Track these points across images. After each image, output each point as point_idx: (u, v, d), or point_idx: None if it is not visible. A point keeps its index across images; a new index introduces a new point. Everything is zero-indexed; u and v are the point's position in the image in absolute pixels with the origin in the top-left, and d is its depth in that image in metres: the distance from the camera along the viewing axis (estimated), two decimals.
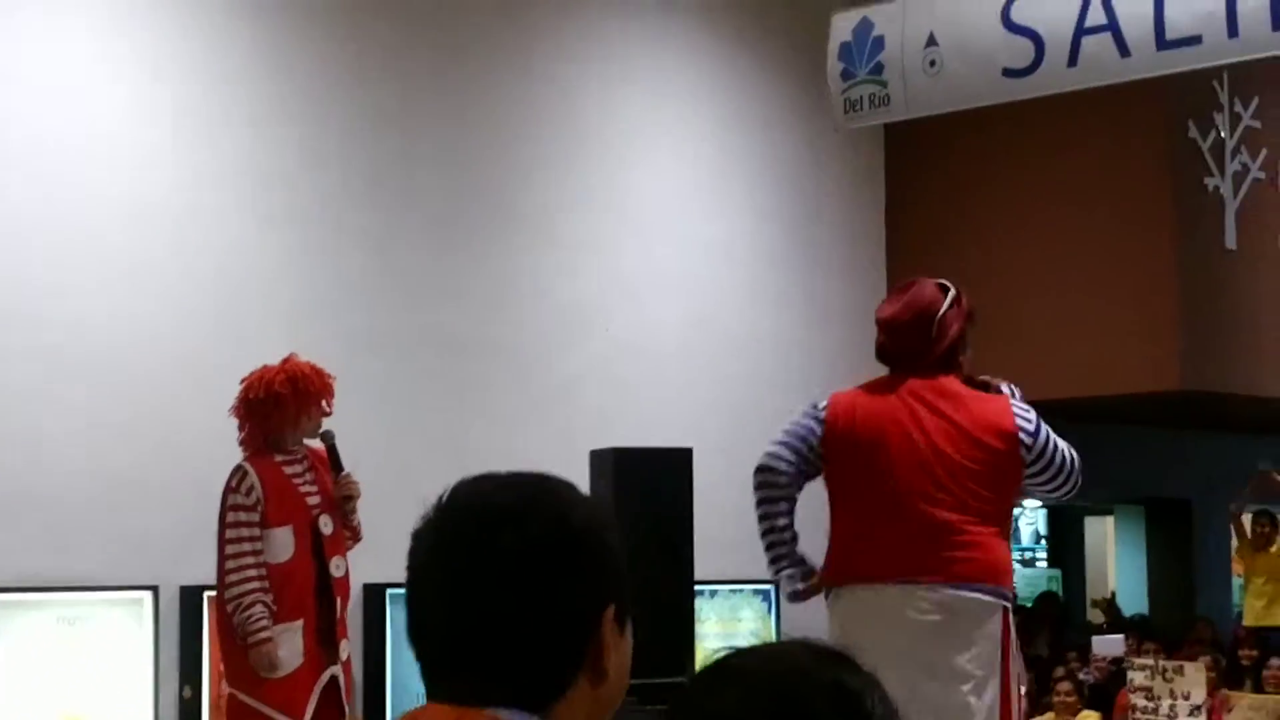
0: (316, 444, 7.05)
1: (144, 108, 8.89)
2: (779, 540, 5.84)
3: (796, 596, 5.89)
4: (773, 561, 5.89)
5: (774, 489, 5.82)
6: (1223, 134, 12.08)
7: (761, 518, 5.85)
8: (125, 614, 8.55)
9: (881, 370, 5.99)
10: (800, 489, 5.88)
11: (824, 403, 5.89)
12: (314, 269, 9.44)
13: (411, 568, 1.95)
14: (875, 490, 5.70)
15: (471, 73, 10.19)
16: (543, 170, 10.47)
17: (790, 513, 5.85)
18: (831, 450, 5.79)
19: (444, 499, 1.94)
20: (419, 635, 1.94)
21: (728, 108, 11.52)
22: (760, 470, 5.84)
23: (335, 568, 6.91)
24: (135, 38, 8.89)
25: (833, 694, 1.68)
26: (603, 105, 10.83)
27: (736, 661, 1.75)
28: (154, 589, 8.61)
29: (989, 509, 5.68)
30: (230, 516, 6.79)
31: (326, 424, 7.04)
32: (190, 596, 8.63)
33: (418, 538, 1.94)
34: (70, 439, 8.50)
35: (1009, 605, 5.73)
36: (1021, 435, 5.72)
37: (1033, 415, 5.80)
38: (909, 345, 5.81)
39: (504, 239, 10.25)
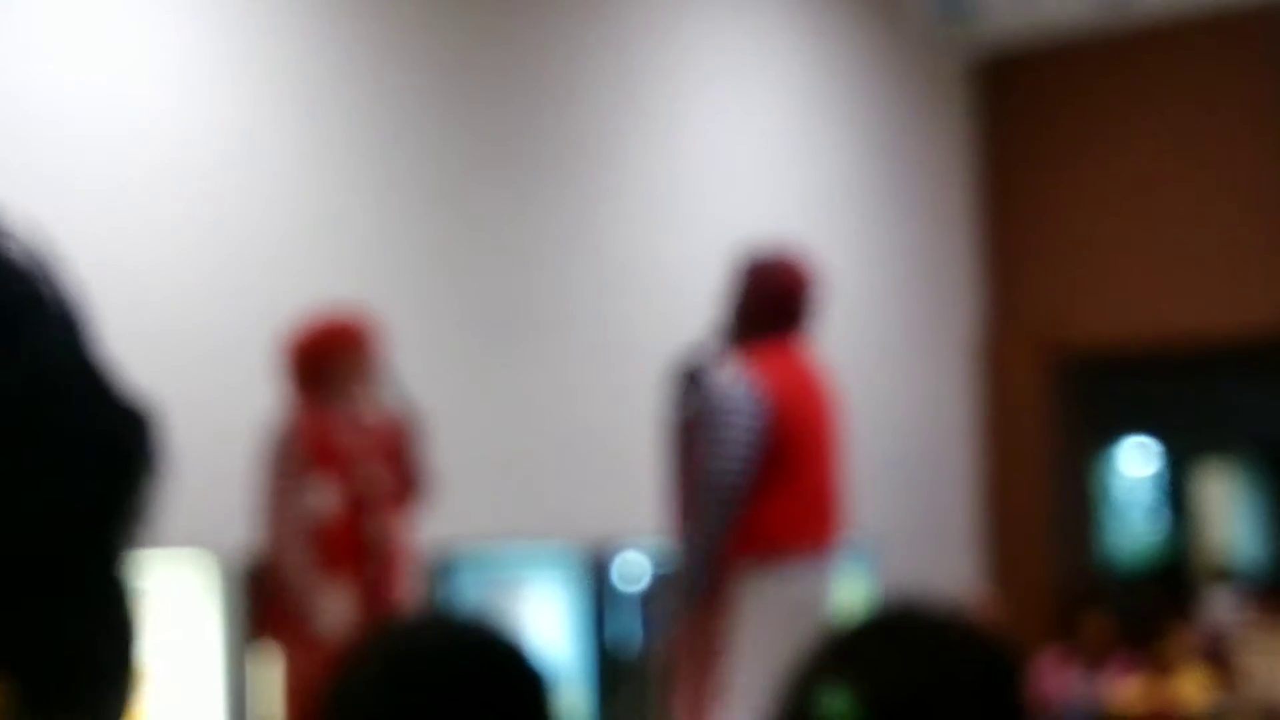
0: None
1: (184, 47, 8.36)
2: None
3: None
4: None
5: None
6: None
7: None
8: None
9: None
10: None
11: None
12: (366, 216, 8.94)
13: None
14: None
15: (537, 25, 9.66)
16: (614, 123, 9.95)
17: None
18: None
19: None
20: None
21: (809, 49, 10.99)
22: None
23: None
24: None
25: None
26: (680, 54, 10.29)
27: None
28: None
29: None
30: None
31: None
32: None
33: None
34: None
35: None
36: None
37: None
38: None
39: (581, 197, 9.73)
